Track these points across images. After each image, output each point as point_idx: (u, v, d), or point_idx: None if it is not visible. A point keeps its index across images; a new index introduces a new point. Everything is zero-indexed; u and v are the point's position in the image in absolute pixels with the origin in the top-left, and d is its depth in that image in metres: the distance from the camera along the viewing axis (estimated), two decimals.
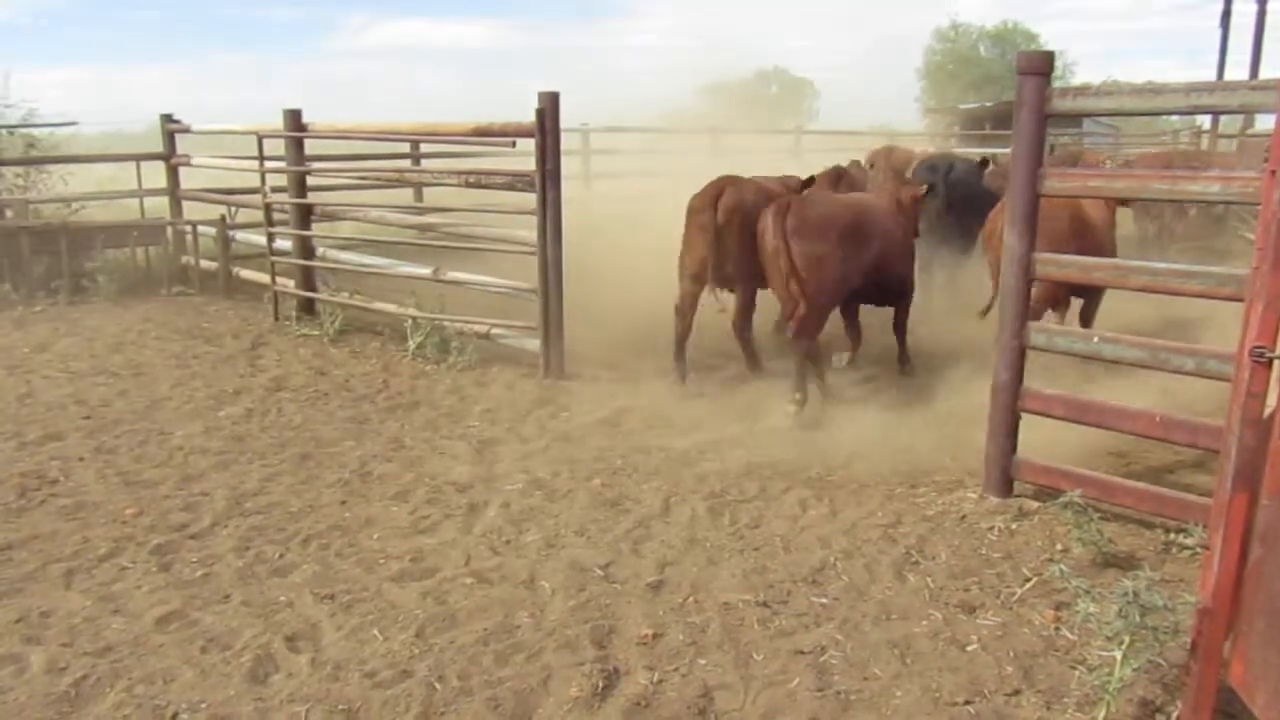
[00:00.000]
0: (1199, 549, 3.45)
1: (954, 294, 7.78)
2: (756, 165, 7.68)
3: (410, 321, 7.13)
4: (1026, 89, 3.96)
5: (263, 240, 8.47)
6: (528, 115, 6.13)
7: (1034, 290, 4.38)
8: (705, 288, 6.21)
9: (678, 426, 5.48)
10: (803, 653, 3.12)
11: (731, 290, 6.40)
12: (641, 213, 12.68)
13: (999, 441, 4.33)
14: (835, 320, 6.33)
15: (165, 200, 10.50)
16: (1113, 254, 6.22)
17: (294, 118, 7.88)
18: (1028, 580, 3.60)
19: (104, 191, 11.19)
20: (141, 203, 10.70)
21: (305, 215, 8.19)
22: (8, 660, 3.06)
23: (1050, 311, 6.29)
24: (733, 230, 6.08)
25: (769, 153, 13.52)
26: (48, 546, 3.89)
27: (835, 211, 5.82)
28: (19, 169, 10.89)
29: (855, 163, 8.63)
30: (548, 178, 6.16)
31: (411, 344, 6.99)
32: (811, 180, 6.76)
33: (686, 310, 6.33)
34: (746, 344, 6.54)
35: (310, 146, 8.26)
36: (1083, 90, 4.07)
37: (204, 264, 9.65)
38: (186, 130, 10.17)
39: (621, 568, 3.73)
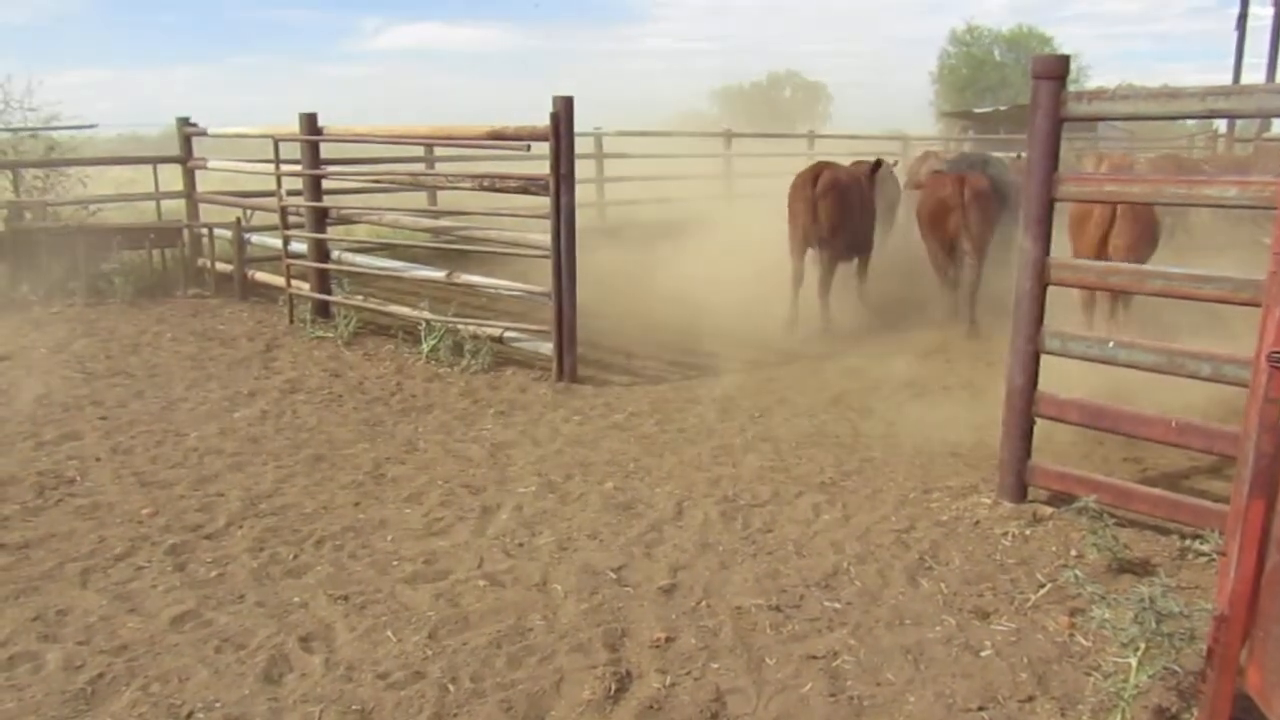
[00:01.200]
0: (1215, 555, 3.43)
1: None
2: (771, 166, 7.76)
3: (424, 324, 7.16)
4: (1041, 93, 3.94)
5: (278, 243, 8.52)
6: (542, 119, 6.15)
7: None
8: (808, 252, 7.58)
9: (691, 430, 5.49)
10: (815, 657, 3.11)
11: (823, 252, 7.64)
12: (653, 216, 12.69)
13: (1013, 446, 4.31)
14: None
15: (182, 203, 10.60)
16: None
17: (309, 121, 7.92)
18: (1042, 586, 3.58)
19: (121, 194, 11.29)
20: (158, 205, 10.79)
21: (320, 218, 8.23)
22: (25, 658, 3.09)
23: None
24: (828, 202, 7.48)
25: (783, 157, 13.50)
26: (64, 545, 3.92)
27: (991, 186, 7.73)
28: (38, 171, 11.00)
29: (881, 160, 9.03)
30: (562, 181, 6.17)
31: (425, 347, 7.01)
32: (879, 163, 8.55)
33: (799, 273, 7.70)
34: (825, 302, 7.75)
35: (325, 150, 8.30)
36: (1098, 94, 4.04)
37: (219, 266, 9.72)
38: (202, 133, 10.25)
39: (634, 571, 3.73)
